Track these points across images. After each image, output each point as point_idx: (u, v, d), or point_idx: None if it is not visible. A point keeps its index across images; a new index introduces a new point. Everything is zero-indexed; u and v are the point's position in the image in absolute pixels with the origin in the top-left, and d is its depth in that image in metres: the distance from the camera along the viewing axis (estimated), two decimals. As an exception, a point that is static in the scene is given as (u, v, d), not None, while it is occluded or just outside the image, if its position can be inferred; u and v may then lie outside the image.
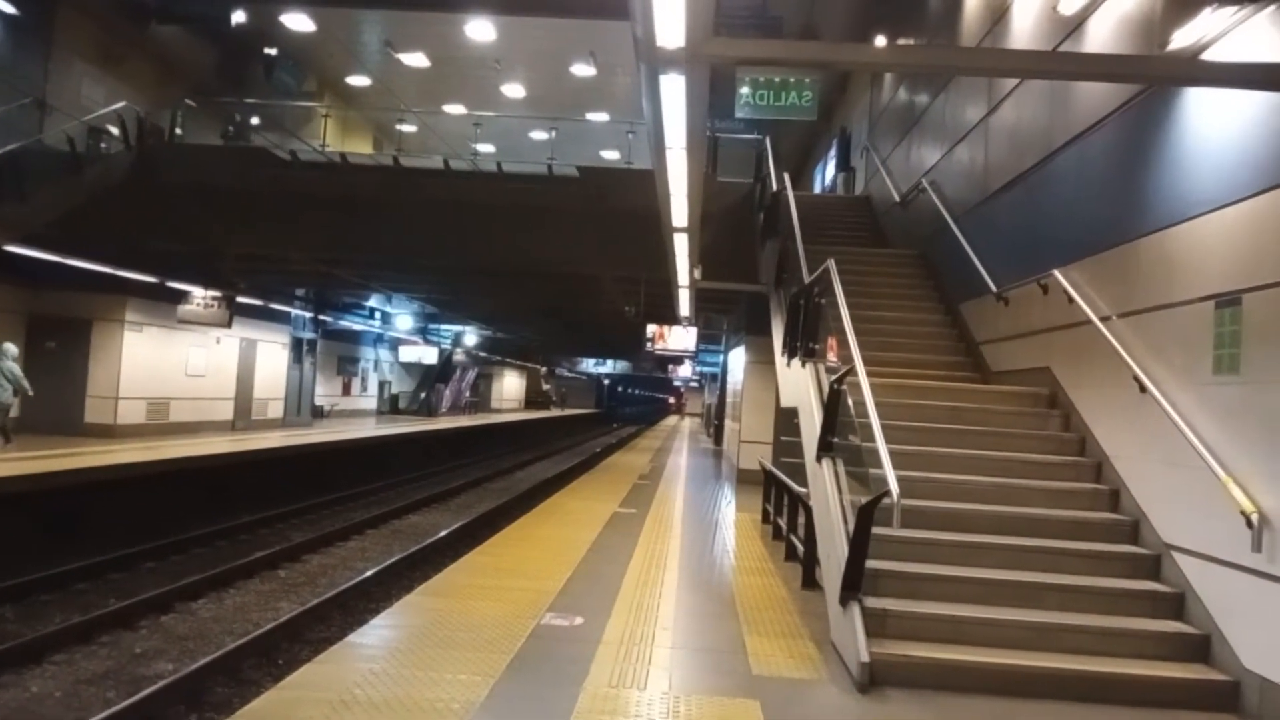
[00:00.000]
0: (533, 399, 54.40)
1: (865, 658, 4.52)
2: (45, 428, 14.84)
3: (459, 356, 34.34)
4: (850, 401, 5.92)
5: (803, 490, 7.12)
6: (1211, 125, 5.17)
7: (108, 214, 13.72)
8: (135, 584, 9.60)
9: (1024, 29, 8.26)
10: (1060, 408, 6.93)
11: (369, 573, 10.34)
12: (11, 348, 12.84)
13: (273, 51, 17.49)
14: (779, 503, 9.23)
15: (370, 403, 30.48)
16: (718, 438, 28.05)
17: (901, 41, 13.41)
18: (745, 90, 4.52)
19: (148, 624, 8.25)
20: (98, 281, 14.56)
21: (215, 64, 17.58)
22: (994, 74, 8.63)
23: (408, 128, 19.51)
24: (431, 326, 31.20)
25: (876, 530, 4.85)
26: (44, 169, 12.92)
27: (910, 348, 8.68)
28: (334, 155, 15.92)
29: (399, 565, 11.01)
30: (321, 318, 23.62)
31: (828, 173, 19.16)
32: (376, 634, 5.16)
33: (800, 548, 7.28)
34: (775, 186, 11.37)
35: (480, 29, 16.49)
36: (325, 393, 26.00)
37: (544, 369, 55.34)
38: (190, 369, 18.13)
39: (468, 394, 38.20)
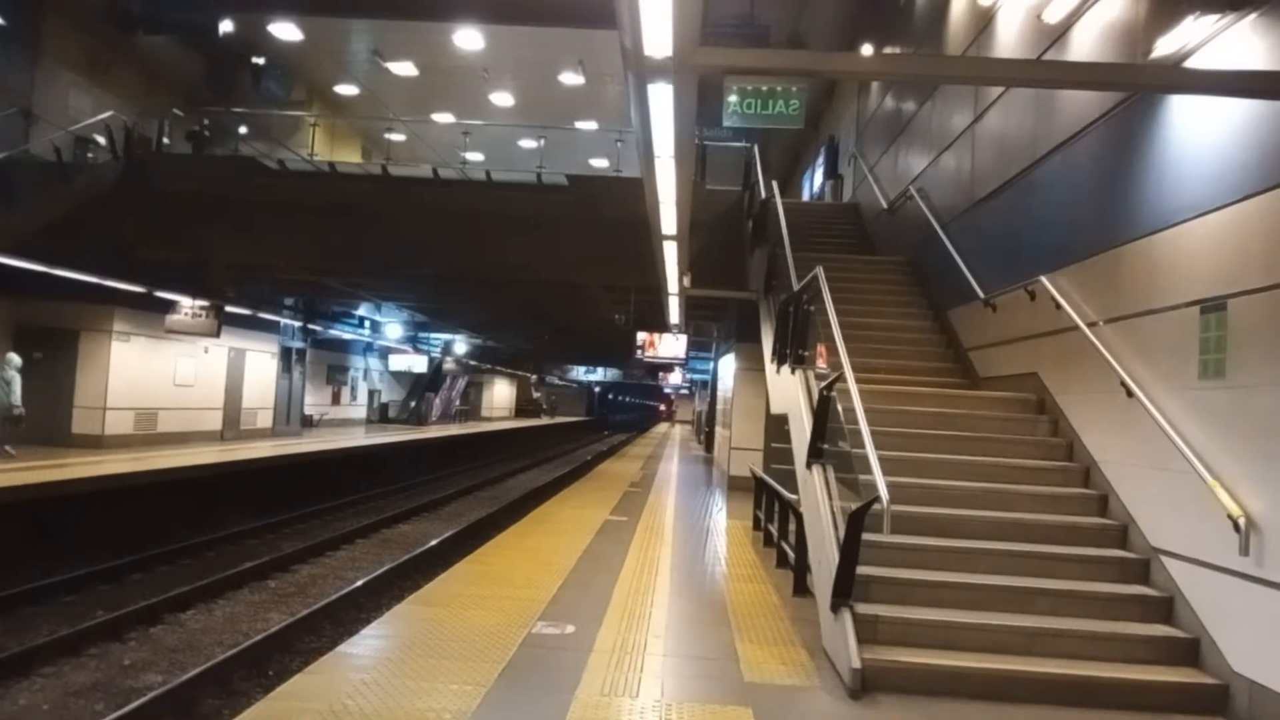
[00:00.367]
0: (523, 407, 54.43)
1: (857, 664, 4.54)
2: (32, 438, 14.73)
3: (449, 365, 34.28)
4: (840, 408, 5.95)
5: (793, 497, 7.13)
6: (1195, 132, 5.21)
7: (95, 224, 13.65)
8: (123, 595, 9.52)
9: (1009, 37, 8.31)
10: (1048, 413, 6.97)
11: (359, 582, 10.29)
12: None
13: (260, 61, 17.44)
14: (770, 509, 9.23)
15: (360, 412, 30.37)
16: (708, 445, 28.06)
17: (888, 50, 13.49)
18: (733, 99, 4.54)
19: (136, 635, 8.19)
20: (85, 291, 14.42)
21: (203, 73, 17.51)
22: (979, 82, 8.70)
23: (396, 136, 19.50)
24: (421, 335, 31.16)
25: (867, 536, 4.88)
26: (30, 179, 12.87)
27: (899, 354, 8.71)
28: (322, 164, 15.87)
29: (389, 575, 10.96)
30: (311, 327, 23.54)
31: (816, 180, 19.24)
32: (367, 644, 5.14)
33: (791, 554, 7.30)
34: (764, 194, 11.41)
35: (468, 38, 16.48)
36: (315, 402, 25.91)
37: (534, 377, 55.28)
38: (178, 379, 18.03)
39: (458, 402, 38.10)
